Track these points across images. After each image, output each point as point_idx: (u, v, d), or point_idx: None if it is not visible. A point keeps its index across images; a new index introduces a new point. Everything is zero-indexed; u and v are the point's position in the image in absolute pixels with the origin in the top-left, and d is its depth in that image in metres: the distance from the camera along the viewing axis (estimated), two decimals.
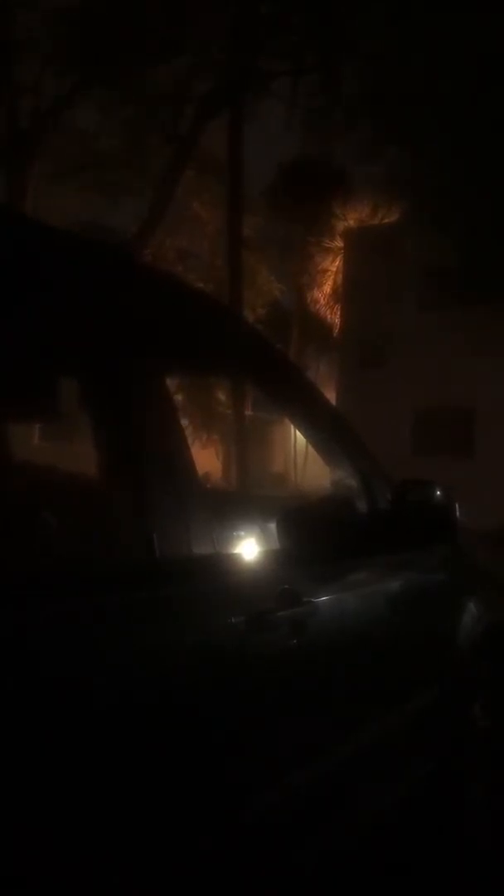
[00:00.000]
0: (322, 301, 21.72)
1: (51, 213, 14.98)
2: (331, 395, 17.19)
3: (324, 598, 1.90)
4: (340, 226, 20.16)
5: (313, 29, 13.38)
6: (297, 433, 2.49)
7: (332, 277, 21.09)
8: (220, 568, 1.70)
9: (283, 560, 1.85)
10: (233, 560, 1.87)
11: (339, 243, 20.33)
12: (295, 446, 20.36)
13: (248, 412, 16.83)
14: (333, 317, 21.03)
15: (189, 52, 13.80)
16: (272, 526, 1.88)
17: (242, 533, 2.12)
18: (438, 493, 2.21)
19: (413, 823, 2.52)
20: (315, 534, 1.85)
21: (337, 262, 20.55)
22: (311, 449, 2.42)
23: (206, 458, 17.95)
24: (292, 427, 2.56)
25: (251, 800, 1.66)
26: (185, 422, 16.88)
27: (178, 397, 18.18)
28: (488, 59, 10.03)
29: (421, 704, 2.39)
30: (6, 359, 1.49)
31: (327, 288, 21.45)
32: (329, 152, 17.83)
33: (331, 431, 2.28)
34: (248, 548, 2.08)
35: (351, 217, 20.16)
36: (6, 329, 1.42)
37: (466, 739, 2.65)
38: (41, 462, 2.26)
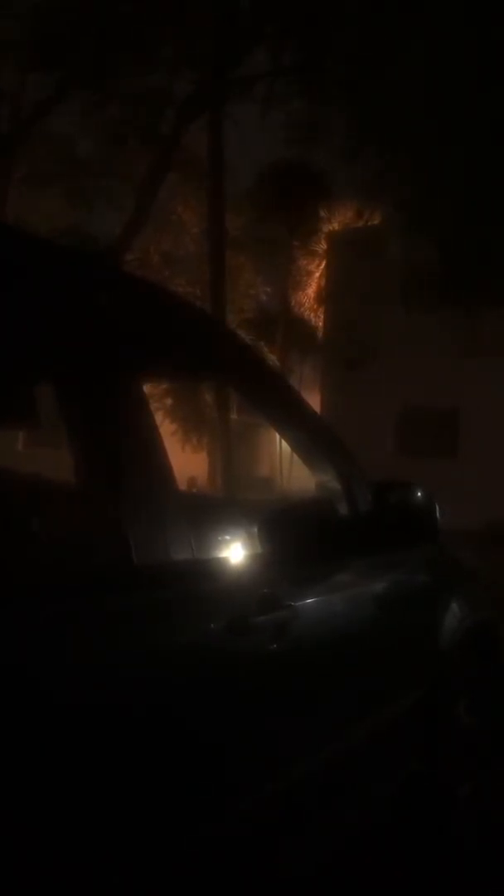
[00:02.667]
0: (306, 304, 21.76)
1: (31, 219, 14.93)
2: (315, 397, 17.22)
3: (305, 602, 1.90)
4: (325, 228, 20.19)
5: (293, 30, 13.39)
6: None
7: (316, 281, 21.12)
8: (200, 573, 1.69)
9: (263, 564, 1.84)
10: (213, 565, 1.86)
11: (323, 246, 20.36)
12: (280, 450, 20.36)
13: (235, 416, 16.78)
14: (317, 320, 21.07)
15: (169, 54, 13.78)
16: (253, 530, 1.87)
17: (222, 537, 2.11)
18: (419, 493, 2.22)
19: (399, 824, 2.52)
20: (296, 537, 1.85)
21: (322, 266, 20.59)
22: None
23: (199, 463, 17.81)
24: None
25: (230, 804, 1.65)
26: (174, 427, 16.68)
27: (168, 401, 18.10)
28: (470, 61, 10.08)
29: (405, 705, 2.39)
30: None
31: (311, 291, 21.48)
32: (312, 155, 17.84)
33: (311, 434, 2.28)
34: (229, 552, 2.07)
35: (335, 220, 20.19)
36: None
37: (452, 739, 2.65)
38: (19, 469, 2.24)
